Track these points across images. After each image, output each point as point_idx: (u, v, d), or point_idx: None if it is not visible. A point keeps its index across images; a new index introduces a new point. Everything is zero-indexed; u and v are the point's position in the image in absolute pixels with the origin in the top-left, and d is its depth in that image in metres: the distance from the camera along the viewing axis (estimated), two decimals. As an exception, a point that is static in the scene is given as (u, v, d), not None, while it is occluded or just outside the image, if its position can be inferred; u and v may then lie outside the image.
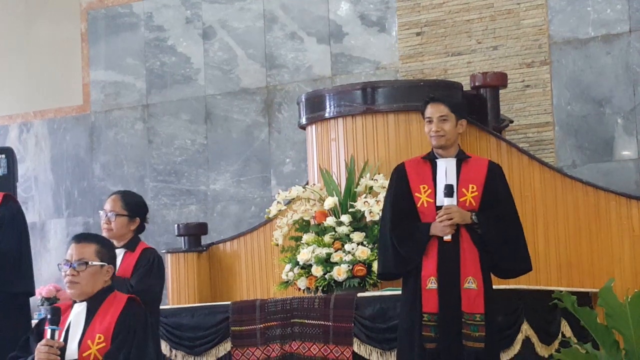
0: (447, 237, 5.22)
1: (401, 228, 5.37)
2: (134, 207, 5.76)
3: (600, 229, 7.57)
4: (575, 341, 6.08)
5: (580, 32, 8.70)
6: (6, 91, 11.02)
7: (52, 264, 9.90)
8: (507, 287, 6.57)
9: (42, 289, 9.04)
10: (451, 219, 5.19)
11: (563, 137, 8.71)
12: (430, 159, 5.46)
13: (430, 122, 5.41)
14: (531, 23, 8.83)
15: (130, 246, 5.70)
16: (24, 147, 10.80)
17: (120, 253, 5.58)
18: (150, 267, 5.60)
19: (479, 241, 5.26)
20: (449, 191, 5.28)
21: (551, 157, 8.56)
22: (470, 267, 5.24)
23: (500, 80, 8.34)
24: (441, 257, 5.27)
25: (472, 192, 5.32)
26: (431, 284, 5.25)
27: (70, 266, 4.33)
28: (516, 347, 6.29)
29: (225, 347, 6.77)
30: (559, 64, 8.75)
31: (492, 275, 5.50)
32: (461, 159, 5.47)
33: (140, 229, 5.82)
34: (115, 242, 5.56)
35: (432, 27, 9.16)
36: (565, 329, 6.71)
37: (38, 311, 9.37)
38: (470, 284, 5.22)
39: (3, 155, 9.37)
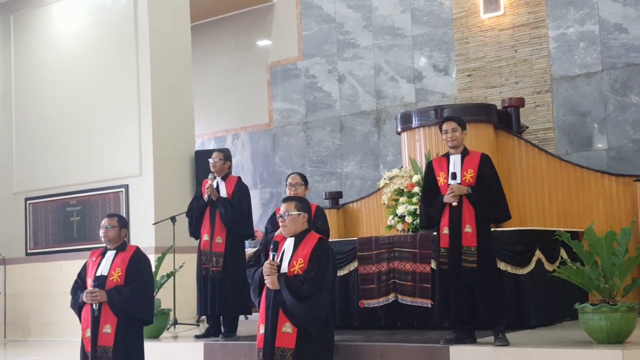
0: (454, 204, 5.11)
1: (427, 199, 5.31)
2: (306, 180, 5.85)
3: (584, 192, 7.44)
4: (570, 261, 5.97)
5: (570, 72, 8.51)
6: (224, 116, 11.18)
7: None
8: (527, 228, 6.49)
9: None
10: (453, 192, 5.10)
11: (560, 136, 8.54)
12: (447, 156, 5.31)
13: (446, 132, 5.24)
14: (539, 67, 8.68)
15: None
16: (235, 147, 10.95)
17: None
18: (325, 216, 5.64)
19: (474, 204, 5.10)
20: (453, 176, 5.17)
21: (552, 149, 8.43)
22: (468, 220, 5.07)
23: (520, 102, 8.26)
24: (451, 215, 5.14)
25: (470, 174, 5.13)
26: (445, 230, 5.16)
27: (283, 216, 4.31)
28: (532, 265, 6.19)
29: (354, 264, 6.75)
30: (557, 92, 8.56)
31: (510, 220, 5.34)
32: (464, 154, 5.26)
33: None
34: None
35: (477, 71, 9.06)
36: (563, 254, 6.58)
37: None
38: (468, 229, 5.06)
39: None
